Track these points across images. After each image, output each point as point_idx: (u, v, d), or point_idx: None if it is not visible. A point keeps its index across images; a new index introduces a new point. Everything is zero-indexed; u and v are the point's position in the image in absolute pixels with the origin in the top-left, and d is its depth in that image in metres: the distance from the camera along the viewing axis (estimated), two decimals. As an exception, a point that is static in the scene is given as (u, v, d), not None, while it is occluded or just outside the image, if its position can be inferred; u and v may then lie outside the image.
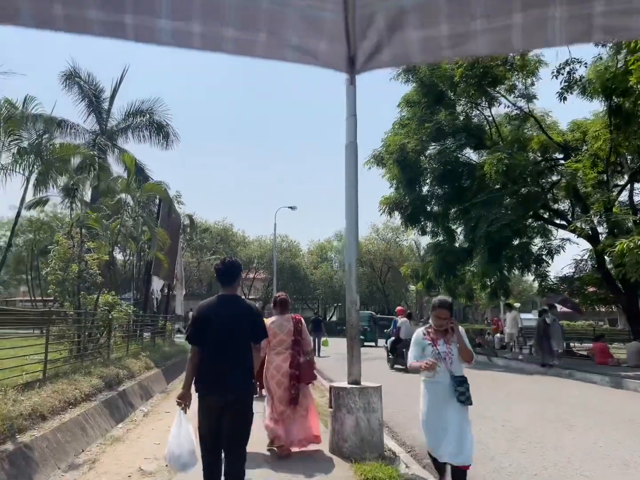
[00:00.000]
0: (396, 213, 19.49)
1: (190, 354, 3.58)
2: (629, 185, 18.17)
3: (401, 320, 14.03)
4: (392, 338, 14.28)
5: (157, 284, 17.97)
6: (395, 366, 13.93)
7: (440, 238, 21.62)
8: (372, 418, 4.95)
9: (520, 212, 15.09)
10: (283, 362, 5.30)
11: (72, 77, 22.38)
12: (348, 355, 5.33)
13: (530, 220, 16.12)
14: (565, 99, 14.67)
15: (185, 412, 3.53)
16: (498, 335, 20.24)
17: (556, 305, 16.10)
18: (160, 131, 22.41)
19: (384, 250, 44.85)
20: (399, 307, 16.11)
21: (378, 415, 5.03)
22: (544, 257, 17.47)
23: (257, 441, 4.84)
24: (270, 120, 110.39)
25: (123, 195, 13.96)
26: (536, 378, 12.84)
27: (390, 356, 14.40)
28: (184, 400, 3.51)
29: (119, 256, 33.90)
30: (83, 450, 5.84)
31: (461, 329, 3.96)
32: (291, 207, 30.21)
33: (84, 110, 23.32)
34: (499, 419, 7.38)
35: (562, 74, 13.62)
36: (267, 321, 5.47)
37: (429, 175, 19.02)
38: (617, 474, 4.92)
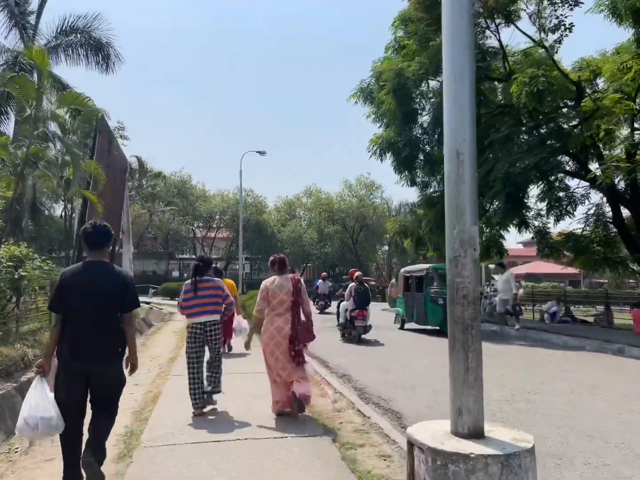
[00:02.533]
0: (389, 155, 16.28)
1: (54, 322, 3.45)
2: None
3: (319, 281, 22.02)
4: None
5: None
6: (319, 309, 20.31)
7: (431, 190, 18.88)
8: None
9: (548, 151, 12.17)
10: (284, 323, 5.21)
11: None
12: (452, 366, 2.31)
13: (557, 162, 13.19)
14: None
15: (42, 377, 3.29)
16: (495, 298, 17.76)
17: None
18: (99, 51, 18.17)
19: (357, 208, 41.78)
20: (323, 273, 25.05)
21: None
22: (566, 207, 14.78)
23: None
24: (235, 59, 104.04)
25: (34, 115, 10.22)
26: (580, 356, 10.26)
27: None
28: (42, 369, 3.33)
29: (58, 209, 29.74)
30: None
31: None
32: (260, 152, 26.46)
33: (5, 25, 19.14)
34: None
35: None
36: (267, 281, 5.38)
37: (429, 109, 15.86)
38: None
